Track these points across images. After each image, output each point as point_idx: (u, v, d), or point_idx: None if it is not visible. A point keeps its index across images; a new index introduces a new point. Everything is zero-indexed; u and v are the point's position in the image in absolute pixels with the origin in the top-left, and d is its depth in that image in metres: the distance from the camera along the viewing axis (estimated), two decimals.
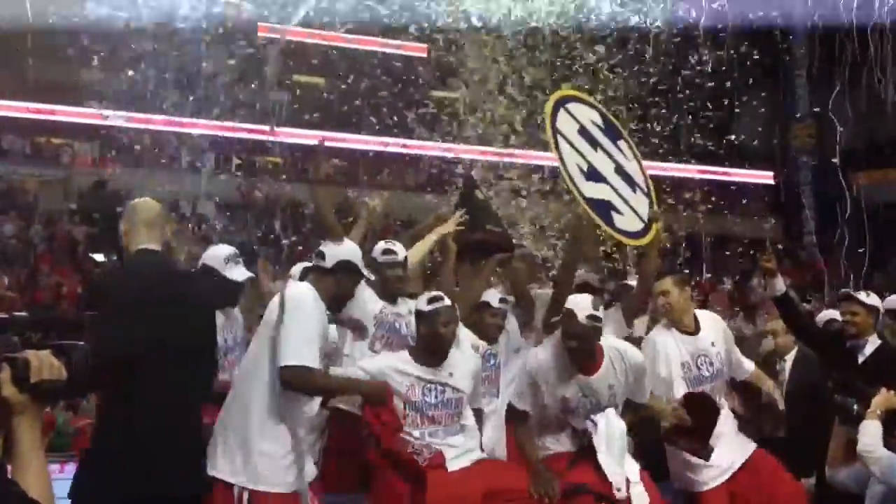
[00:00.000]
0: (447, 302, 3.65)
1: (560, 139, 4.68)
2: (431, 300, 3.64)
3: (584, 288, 4.52)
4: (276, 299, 3.30)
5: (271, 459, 3.15)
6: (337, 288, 3.38)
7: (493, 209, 5.25)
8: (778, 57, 19.49)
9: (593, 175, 4.72)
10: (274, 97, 18.11)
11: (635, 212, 4.80)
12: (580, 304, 3.67)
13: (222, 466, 3.17)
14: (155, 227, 3.34)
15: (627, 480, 3.58)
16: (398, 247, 4.18)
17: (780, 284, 4.81)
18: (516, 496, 3.46)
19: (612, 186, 4.78)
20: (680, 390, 4.07)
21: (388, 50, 19.24)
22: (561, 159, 4.61)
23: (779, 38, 18.43)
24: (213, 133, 18.08)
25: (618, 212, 4.71)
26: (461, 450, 3.58)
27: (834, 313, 5.25)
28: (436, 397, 3.61)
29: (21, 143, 19.06)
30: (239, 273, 3.91)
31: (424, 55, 17.52)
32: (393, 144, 19.04)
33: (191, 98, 16.62)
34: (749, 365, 4.45)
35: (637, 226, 4.78)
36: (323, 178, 4.21)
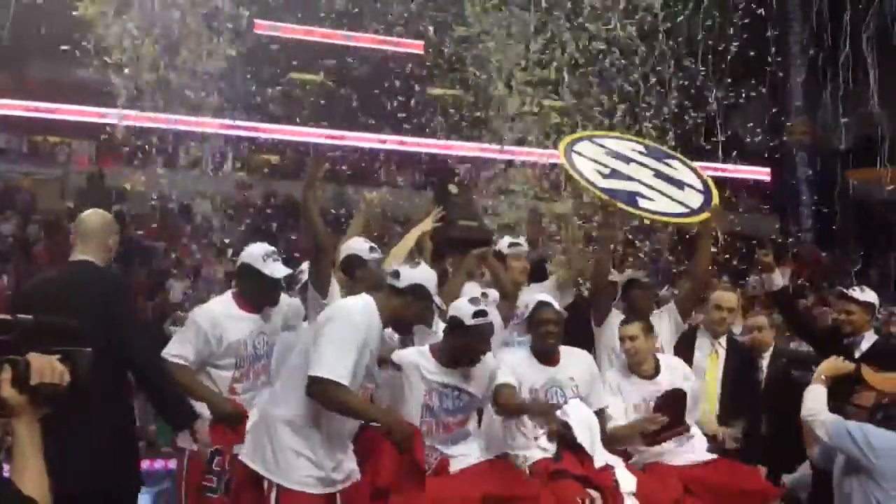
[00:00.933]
0: (490, 319, 3.60)
1: (575, 157, 4.85)
2: (477, 314, 3.51)
3: (632, 285, 4.78)
4: (329, 308, 3.30)
5: (303, 459, 3.12)
6: (405, 310, 3.26)
7: (471, 203, 5.29)
8: (773, 52, 19.46)
9: (617, 176, 4.87)
10: None
11: (680, 202, 4.89)
12: (552, 299, 4.13)
13: (255, 457, 3.17)
14: (92, 240, 3.36)
15: (612, 466, 3.69)
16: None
17: (778, 279, 4.82)
18: (516, 501, 3.48)
19: (643, 183, 4.88)
20: None
21: (386, 48, 19.20)
22: (574, 168, 4.75)
23: (774, 35, 18.39)
24: (212, 131, 18.01)
25: (646, 198, 4.82)
26: (463, 456, 3.61)
27: None
28: (452, 403, 3.60)
29: (17, 141, 19.02)
30: (277, 269, 3.84)
31: (422, 52, 17.48)
32: (391, 142, 19.04)
33: (190, 96, 16.52)
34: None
35: (676, 209, 4.85)
36: (318, 180, 4.18)
